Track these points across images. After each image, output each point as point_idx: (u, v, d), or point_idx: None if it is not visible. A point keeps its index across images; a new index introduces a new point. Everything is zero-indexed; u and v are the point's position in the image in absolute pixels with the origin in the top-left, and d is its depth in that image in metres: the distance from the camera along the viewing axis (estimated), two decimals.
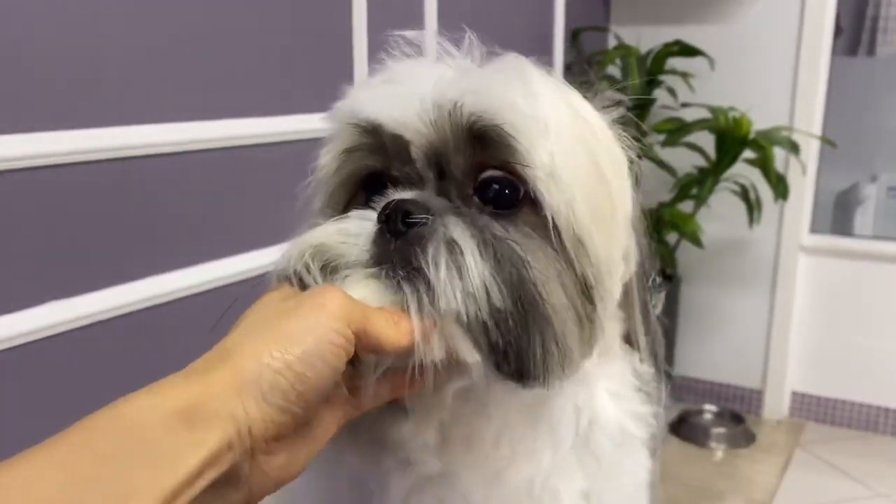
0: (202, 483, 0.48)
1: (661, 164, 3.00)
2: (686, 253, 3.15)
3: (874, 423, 3.17)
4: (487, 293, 0.58)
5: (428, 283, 0.58)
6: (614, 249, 0.67)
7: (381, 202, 0.62)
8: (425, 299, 0.58)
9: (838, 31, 3.18)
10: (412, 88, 0.64)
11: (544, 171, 0.61)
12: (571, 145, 0.63)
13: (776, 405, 3.26)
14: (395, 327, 0.57)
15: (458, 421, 0.69)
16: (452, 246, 0.59)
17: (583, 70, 3.14)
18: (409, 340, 0.57)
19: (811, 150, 3.07)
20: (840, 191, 3.49)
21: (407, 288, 0.58)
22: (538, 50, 2.42)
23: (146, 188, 1.52)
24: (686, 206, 3.05)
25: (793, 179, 3.01)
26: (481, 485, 0.69)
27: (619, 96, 0.74)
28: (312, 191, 0.71)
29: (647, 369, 0.77)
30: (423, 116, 0.63)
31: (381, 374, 0.60)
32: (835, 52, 3.13)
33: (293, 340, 0.52)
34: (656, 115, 3.12)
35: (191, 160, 1.59)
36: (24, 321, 1.33)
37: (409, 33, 0.69)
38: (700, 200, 2.98)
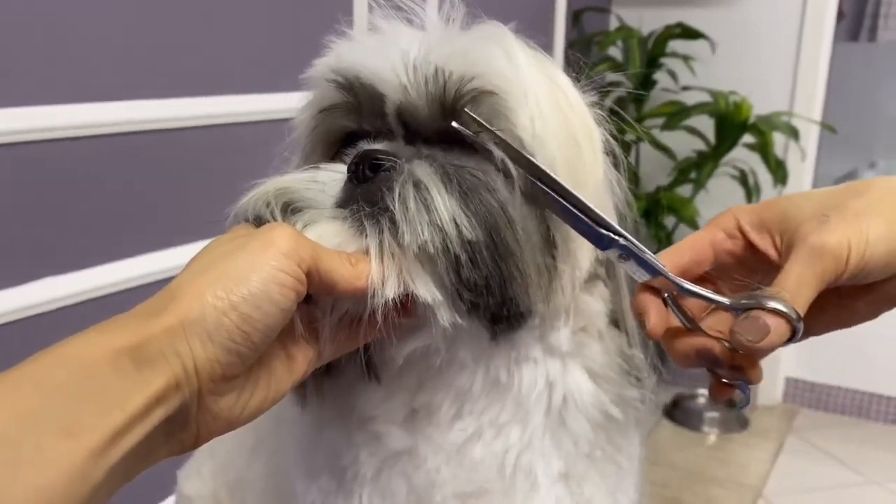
0: (150, 421, 0.47)
1: (661, 148, 2.99)
2: (683, 237, 3.14)
3: (867, 410, 3.17)
4: (457, 226, 0.59)
5: (393, 221, 0.58)
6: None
7: (351, 154, 0.63)
8: (388, 236, 0.58)
9: (840, 16, 3.17)
10: (393, 45, 0.65)
11: (527, 134, 0.63)
12: (549, 111, 0.65)
13: (770, 391, 3.27)
14: (351, 267, 0.56)
15: (421, 388, 0.69)
16: (418, 184, 0.59)
17: (584, 51, 3.12)
18: (365, 281, 0.56)
19: (811, 135, 3.06)
20: (839, 176, 3.49)
21: (369, 226, 0.58)
22: (539, 30, 2.42)
23: (144, 164, 1.51)
24: (685, 190, 3.04)
25: (792, 165, 3.00)
26: (445, 460, 0.69)
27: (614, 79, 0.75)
28: (289, 151, 0.72)
29: (638, 354, 0.77)
30: (402, 73, 0.63)
31: (339, 319, 0.60)
32: (836, 37, 3.11)
33: (238, 280, 0.51)
34: (657, 97, 3.10)
35: (189, 136, 1.58)
36: (20, 297, 1.32)
37: None
38: (699, 185, 2.97)
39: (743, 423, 3.09)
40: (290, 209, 0.61)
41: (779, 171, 2.89)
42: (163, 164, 1.55)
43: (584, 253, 0.69)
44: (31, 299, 1.34)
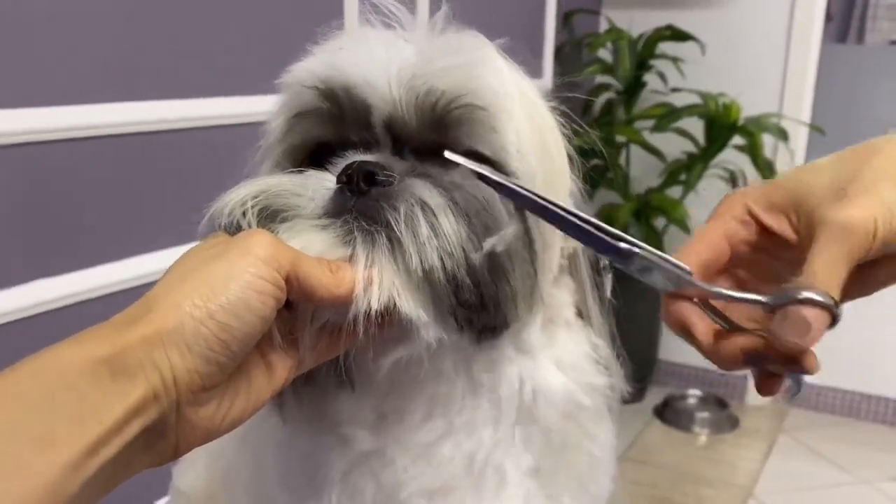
0: (128, 433, 0.47)
1: (651, 150, 3.00)
2: (674, 238, 3.15)
3: (857, 410, 3.19)
4: (464, 251, 0.59)
5: (395, 241, 0.58)
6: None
7: (339, 164, 0.62)
8: (386, 254, 0.57)
9: (828, 18, 3.18)
10: (385, 55, 0.64)
11: (513, 148, 0.64)
12: (527, 125, 0.66)
13: None
14: (331, 274, 0.55)
15: (392, 394, 0.69)
16: (425, 206, 0.59)
17: (574, 53, 3.13)
18: (346, 289, 0.56)
19: (800, 137, 3.08)
20: None
21: (362, 239, 0.58)
22: (529, 32, 2.43)
23: (137, 166, 1.51)
24: (674, 192, 3.05)
25: (781, 166, 3.01)
26: (412, 460, 0.69)
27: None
28: (260, 157, 0.70)
29: (602, 344, 0.78)
30: (395, 85, 0.63)
31: (320, 328, 0.59)
32: (824, 39, 3.13)
33: (216, 288, 0.50)
34: (646, 99, 3.11)
35: (183, 137, 1.58)
36: (10, 299, 1.32)
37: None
38: (688, 186, 2.98)
39: (733, 423, 3.10)
40: (270, 215, 0.60)
41: (768, 173, 2.90)
42: (155, 167, 1.54)
43: (555, 254, 0.70)
44: (23, 301, 1.33)
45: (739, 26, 3.11)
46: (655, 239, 3.08)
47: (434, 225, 0.58)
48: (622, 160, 3.11)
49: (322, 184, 0.61)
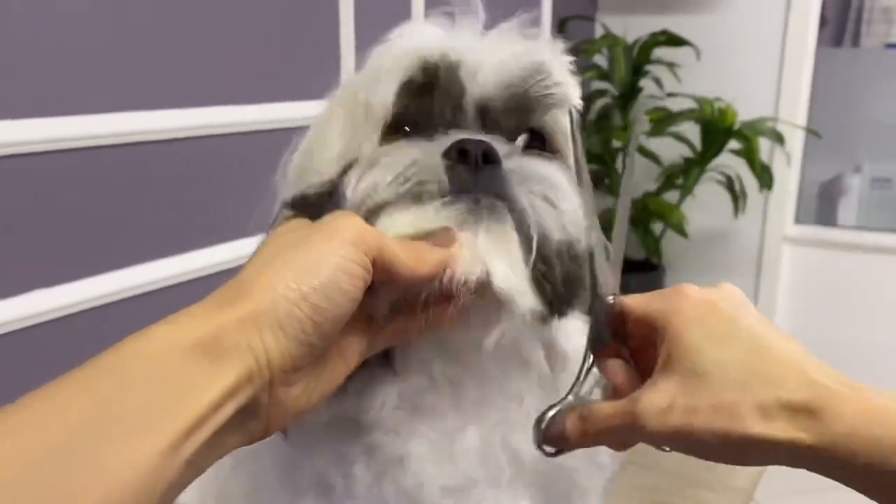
0: (223, 414, 0.47)
1: (647, 154, 3.01)
2: (671, 242, 3.16)
3: None
4: (582, 231, 0.62)
5: (517, 215, 0.59)
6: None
7: (439, 140, 0.62)
8: (509, 229, 0.58)
9: (823, 22, 3.19)
10: (481, 40, 0.67)
11: (569, 146, 0.67)
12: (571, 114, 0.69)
13: None
14: (414, 254, 0.56)
15: (436, 383, 0.68)
16: (549, 182, 0.61)
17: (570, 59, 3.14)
18: (429, 270, 0.56)
19: (796, 140, 3.08)
20: (824, 181, 3.51)
21: (490, 216, 0.58)
22: (525, 38, 2.37)
23: (133, 176, 1.51)
24: (671, 196, 3.06)
25: (777, 170, 3.02)
26: (432, 457, 0.68)
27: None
28: (356, 133, 0.67)
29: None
30: (505, 68, 0.65)
31: (395, 308, 0.59)
32: (820, 43, 3.14)
33: (308, 270, 0.51)
34: (642, 104, 3.12)
35: (179, 147, 1.58)
36: (9, 309, 1.32)
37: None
38: (685, 190, 2.99)
39: None
40: (412, 195, 0.60)
41: (764, 176, 2.91)
42: (154, 176, 1.54)
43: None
44: (21, 312, 1.33)
45: (734, 31, 3.12)
46: (653, 243, 3.09)
47: (560, 200, 0.60)
48: (619, 165, 3.11)
49: (434, 160, 0.61)
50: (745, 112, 2.91)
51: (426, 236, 0.58)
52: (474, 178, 0.59)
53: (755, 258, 3.25)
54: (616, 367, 0.63)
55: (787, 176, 3.11)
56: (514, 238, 0.59)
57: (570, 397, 0.61)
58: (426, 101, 0.65)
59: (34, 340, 1.35)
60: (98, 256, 1.47)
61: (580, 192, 0.63)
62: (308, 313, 0.50)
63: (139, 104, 1.50)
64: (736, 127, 2.87)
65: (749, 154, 2.87)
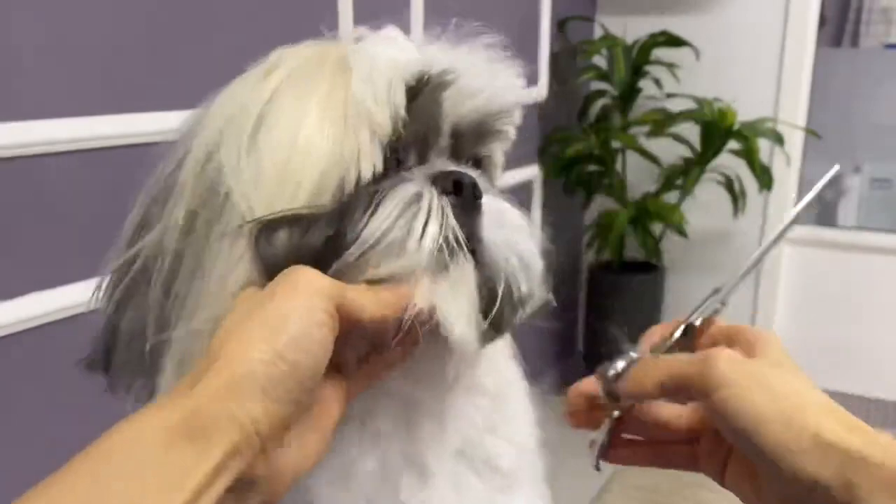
0: (214, 493, 0.46)
1: (647, 155, 3.00)
2: (671, 243, 3.16)
3: (857, 413, 3.16)
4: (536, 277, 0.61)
5: (479, 260, 0.58)
6: None
7: (425, 170, 0.59)
8: (470, 272, 0.57)
9: (822, 22, 3.19)
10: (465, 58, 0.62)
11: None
12: None
13: None
14: (375, 298, 0.54)
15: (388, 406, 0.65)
16: (517, 229, 0.61)
17: (569, 60, 3.14)
18: (391, 310, 0.54)
19: (795, 141, 3.09)
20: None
21: (458, 258, 0.57)
22: (525, 39, 2.42)
23: (131, 180, 1.51)
24: (671, 197, 3.06)
25: (777, 170, 3.02)
26: (331, 481, 0.65)
27: None
28: (371, 145, 0.59)
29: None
30: (478, 91, 0.62)
31: (363, 353, 0.58)
32: (819, 43, 3.14)
33: (277, 328, 0.50)
34: (642, 105, 3.12)
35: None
36: (5, 312, 1.32)
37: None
38: (685, 191, 2.99)
39: None
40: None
41: (764, 177, 2.91)
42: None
43: None
44: (17, 315, 1.33)
45: (734, 31, 3.12)
46: (653, 244, 3.09)
47: (526, 252, 0.60)
48: (618, 166, 3.11)
49: (431, 195, 0.58)
50: (744, 112, 2.91)
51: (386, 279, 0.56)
52: (462, 217, 0.57)
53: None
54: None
55: (787, 176, 3.11)
56: (474, 288, 0.57)
57: (634, 353, 0.61)
58: (409, 124, 0.59)
59: (29, 344, 1.35)
60: (96, 258, 1.46)
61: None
62: (287, 370, 0.49)
63: (132, 107, 1.49)
64: (735, 127, 2.87)
65: (748, 154, 2.87)
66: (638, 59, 3.00)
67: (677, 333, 0.61)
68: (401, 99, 0.58)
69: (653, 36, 3.00)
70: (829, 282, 3.20)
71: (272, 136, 0.58)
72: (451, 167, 0.60)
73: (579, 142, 2.98)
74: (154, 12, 1.50)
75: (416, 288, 0.56)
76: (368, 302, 0.54)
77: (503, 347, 0.73)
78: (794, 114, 3.07)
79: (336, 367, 0.57)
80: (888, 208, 3.43)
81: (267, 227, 0.56)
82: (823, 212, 3.50)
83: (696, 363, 0.55)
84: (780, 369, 0.56)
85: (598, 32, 3.28)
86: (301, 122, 0.58)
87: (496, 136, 0.65)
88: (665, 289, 3.28)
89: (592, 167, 3.10)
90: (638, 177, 3.17)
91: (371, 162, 0.57)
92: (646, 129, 2.95)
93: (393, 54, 0.60)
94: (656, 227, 3.09)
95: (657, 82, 3.05)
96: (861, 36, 3.90)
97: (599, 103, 3.17)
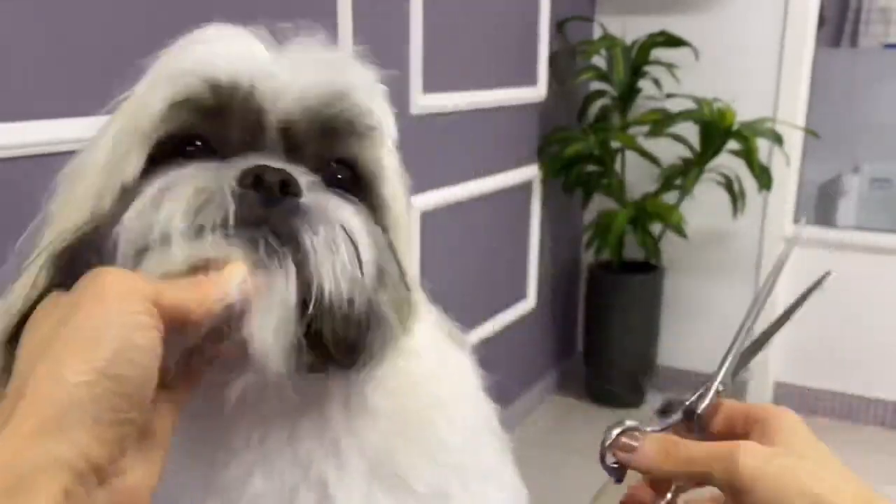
0: None
1: (646, 155, 3.00)
2: (670, 243, 3.16)
3: (856, 413, 3.19)
4: (374, 282, 0.56)
5: (301, 262, 0.52)
6: (408, 237, 0.67)
7: (233, 164, 0.55)
8: (290, 273, 0.51)
9: (822, 22, 3.19)
10: (285, 57, 0.60)
11: (388, 171, 0.63)
12: (391, 150, 0.65)
13: (759, 395, 3.28)
14: (196, 291, 0.49)
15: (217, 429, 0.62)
16: (345, 231, 0.54)
17: (568, 60, 3.14)
18: (215, 301, 0.49)
19: (795, 141, 3.08)
20: (823, 182, 3.51)
21: (271, 260, 0.51)
22: (524, 39, 2.43)
23: None
24: (670, 197, 3.05)
25: (776, 170, 3.02)
26: None
27: None
28: (119, 147, 0.58)
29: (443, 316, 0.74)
30: (301, 88, 0.58)
31: (183, 356, 0.52)
32: (818, 43, 3.14)
33: (93, 343, 0.43)
34: (641, 105, 3.12)
35: None
36: None
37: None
38: (684, 191, 2.99)
39: None
40: (199, 228, 0.52)
41: (763, 177, 2.91)
42: None
43: (413, 267, 0.67)
44: None
45: (733, 31, 3.12)
46: (652, 244, 3.09)
47: (353, 260, 0.54)
48: (618, 166, 3.11)
49: (220, 183, 0.53)
50: (743, 112, 2.90)
51: (199, 270, 0.51)
52: (265, 212, 0.52)
53: (754, 258, 3.25)
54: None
55: (786, 176, 3.11)
56: (289, 287, 0.51)
57: (635, 422, 0.58)
58: (218, 121, 0.58)
59: None
60: None
61: (378, 243, 0.58)
62: (113, 388, 0.43)
63: None
64: (735, 127, 2.87)
65: (748, 154, 2.87)
66: (637, 60, 3.00)
67: (677, 417, 0.59)
68: (161, 96, 0.57)
69: (652, 36, 3.00)
70: (828, 281, 3.19)
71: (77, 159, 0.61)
72: (273, 163, 0.55)
73: (578, 142, 2.98)
74: (154, 12, 1.50)
75: (230, 279, 0.50)
76: (192, 296, 0.48)
77: (424, 369, 0.68)
78: (793, 114, 3.07)
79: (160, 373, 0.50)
80: (888, 208, 3.43)
81: (54, 269, 0.54)
82: (823, 212, 3.50)
83: (719, 458, 0.51)
84: (809, 462, 0.52)
85: (597, 32, 3.28)
86: (94, 146, 0.60)
87: (346, 133, 0.60)
88: (664, 289, 3.28)
89: (592, 167, 3.10)
90: (637, 177, 3.17)
91: (133, 162, 0.56)
92: (645, 129, 2.95)
93: (186, 56, 0.59)
94: (655, 227, 3.09)
95: (656, 82, 3.05)
96: (860, 36, 3.89)
97: (599, 103, 3.17)
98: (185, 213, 0.51)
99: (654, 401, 3.23)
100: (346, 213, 0.56)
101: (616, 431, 0.57)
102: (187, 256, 0.50)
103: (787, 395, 3.27)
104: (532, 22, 2.86)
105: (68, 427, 0.41)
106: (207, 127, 0.58)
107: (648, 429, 0.58)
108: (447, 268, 2.56)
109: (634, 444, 0.56)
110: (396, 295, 0.60)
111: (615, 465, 0.57)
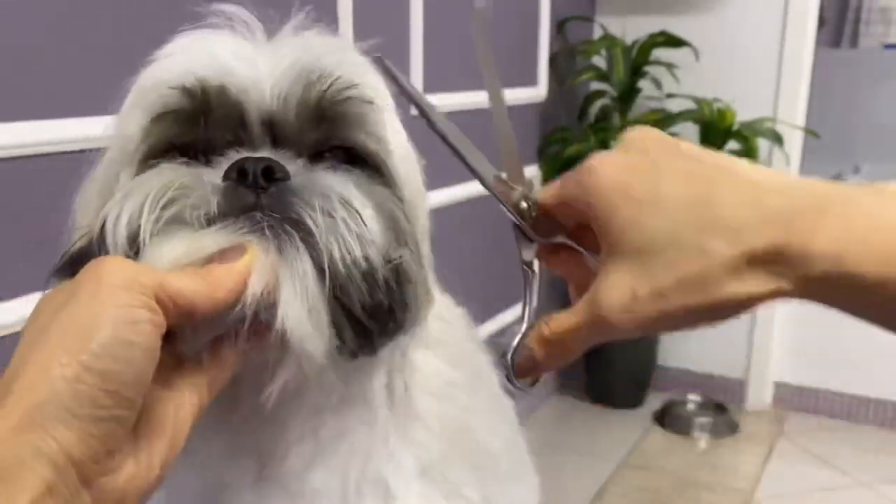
0: None
1: None
2: None
3: (856, 413, 3.19)
4: (388, 240, 0.55)
5: (307, 238, 0.52)
6: (425, 219, 0.66)
7: (221, 163, 0.56)
8: (298, 253, 0.51)
9: (822, 22, 3.19)
10: (255, 52, 0.59)
11: (393, 147, 0.62)
12: (397, 123, 0.64)
13: (759, 395, 3.28)
14: (204, 280, 0.48)
15: (270, 426, 0.62)
16: (343, 200, 0.54)
17: (568, 60, 3.14)
18: (227, 292, 0.48)
19: (795, 141, 3.08)
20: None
21: (275, 238, 0.51)
22: (524, 40, 2.43)
23: None
24: None
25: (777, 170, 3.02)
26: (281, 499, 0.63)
27: None
28: (114, 169, 0.60)
29: (447, 300, 0.74)
30: (275, 79, 0.58)
31: (206, 347, 0.52)
32: (818, 43, 3.14)
33: (82, 335, 0.43)
34: (641, 105, 3.12)
35: None
36: (6, 312, 1.32)
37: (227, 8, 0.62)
38: None
39: (733, 428, 3.10)
40: (173, 219, 0.53)
41: None
42: None
43: (427, 245, 0.66)
44: (18, 315, 1.33)
45: (733, 31, 3.12)
46: None
47: (356, 221, 0.53)
48: None
49: (210, 181, 0.54)
50: (743, 113, 2.91)
51: (210, 259, 0.50)
52: (257, 200, 0.52)
53: None
54: (564, 259, 0.58)
55: None
56: (305, 266, 0.51)
57: (525, 323, 0.56)
58: (200, 126, 0.58)
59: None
60: None
61: (383, 206, 0.57)
62: (96, 384, 0.42)
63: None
64: (735, 128, 2.87)
65: (748, 154, 2.87)
66: (637, 60, 3.00)
67: (524, 325, 0.57)
68: (139, 113, 0.58)
69: (652, 36, 3.00)
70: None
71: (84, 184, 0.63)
72: (254, 154, 0.55)
73: (579, 142, 2.98)
74: (154, 12, 1.50)
75: (249, 259, 0.50)
76: (199, 286, 0.48)
77: (459, 376, 0.70)
78: (793, 114, 3.07)
79: (188, 363, 0.51)
80: None
81: (61, 274, 0.56)
82: None
83: (589, 321, 0.50)
84: (650, 259, 0.48)
85: (597, 33, 3.28)
86: (97, 169, 0.62)
87: (337, 113, 0.60)
88: None
89: None
90: None
91: (122, 182, 0.58)
92: None
93: (159, 69, 0.60)
94: None
95: (656, 82, 3.05)
96: (860, 36, 3.90)
97: (599, 103, 3.17)
98: (149, 206, 0.52)
99: (654, 401, 3.23)
100: (336, 181, 0.55)
101: (508, 355, 0.55)
102: (184, 251, 0.50)
103: (786, 394, 3.28)
104: (532, 22, 2.86)
105: (50, 421, 0.41)
106: (191, 134, 0.58)
107: (517, 337, 0.56)
108: (447, 268, 2.56)
109: (527, 354, 0.54)
110: (417, 252, 0.59)
111: (528, 384, 0.56)
